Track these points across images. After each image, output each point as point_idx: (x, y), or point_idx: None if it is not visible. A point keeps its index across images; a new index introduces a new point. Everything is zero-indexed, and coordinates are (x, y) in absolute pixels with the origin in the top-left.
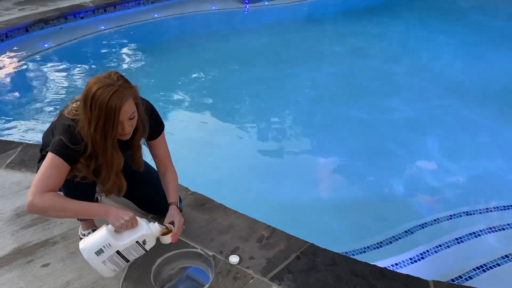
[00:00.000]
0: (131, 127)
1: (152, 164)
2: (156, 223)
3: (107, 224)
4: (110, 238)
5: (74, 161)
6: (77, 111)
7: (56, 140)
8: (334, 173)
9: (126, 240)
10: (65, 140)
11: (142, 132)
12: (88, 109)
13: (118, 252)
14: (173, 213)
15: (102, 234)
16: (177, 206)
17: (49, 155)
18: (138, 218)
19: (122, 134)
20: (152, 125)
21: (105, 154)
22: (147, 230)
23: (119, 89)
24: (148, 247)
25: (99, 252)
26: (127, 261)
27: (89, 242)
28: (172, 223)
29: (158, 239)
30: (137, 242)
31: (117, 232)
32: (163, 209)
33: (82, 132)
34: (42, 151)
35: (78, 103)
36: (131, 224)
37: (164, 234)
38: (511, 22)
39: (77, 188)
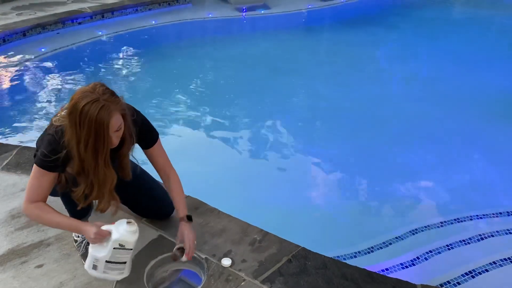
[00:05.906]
0: (118, 138)
1: (145, 167)
2: (124, 221)
3: None
4: (94, 253)
5: (56, 170)
6: (64, 118)
7: (39, 152)
8: (326, 178)
9: (106, 251)
10: (46, 151)
11: (130, 142)
12: (78, 127)
13: (107, 261)
14: (182, 230)
15: (89, 251)
16: (185, 221)
17: (33, 166)
18: (105, 226)
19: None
20: (145, 134)
21: (96, 172)
22: (116, 235)
23: (105, 104)
24: (129, 246)
25: (95, 267)
26: (124, 262)
27: (86, 262)
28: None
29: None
30: (114, 248)
31: (98, 244)
32: (156, 213)
33: (68, 144)
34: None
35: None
36: (101, 236)
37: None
38: (503, 34)
39: (74, 202)
